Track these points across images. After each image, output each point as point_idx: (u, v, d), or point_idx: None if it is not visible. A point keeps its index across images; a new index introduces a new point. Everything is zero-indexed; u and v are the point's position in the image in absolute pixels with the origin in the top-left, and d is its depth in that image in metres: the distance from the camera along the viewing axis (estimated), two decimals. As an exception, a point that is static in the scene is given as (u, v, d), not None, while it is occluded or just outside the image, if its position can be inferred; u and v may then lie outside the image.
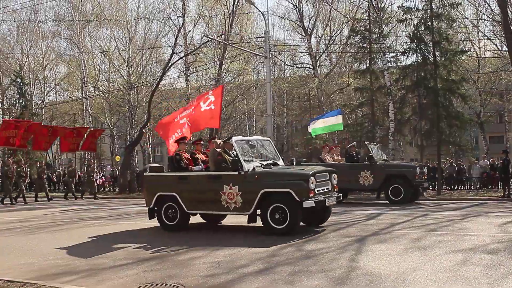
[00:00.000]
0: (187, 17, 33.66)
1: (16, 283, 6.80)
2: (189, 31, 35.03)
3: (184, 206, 11.42)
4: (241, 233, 11.41)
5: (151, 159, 49.70)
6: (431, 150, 26.39)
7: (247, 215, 10.84)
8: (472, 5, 32.51)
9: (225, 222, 13.69)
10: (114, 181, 35.32)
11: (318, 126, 22.86)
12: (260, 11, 29.33)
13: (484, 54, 34.80)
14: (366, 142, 19.55)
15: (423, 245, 8.97)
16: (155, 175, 12.33)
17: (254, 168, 10.75)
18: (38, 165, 28.33)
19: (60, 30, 42.98)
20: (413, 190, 17.74)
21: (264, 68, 32.94)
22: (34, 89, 42.49)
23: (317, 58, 35.52)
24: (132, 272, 7.57)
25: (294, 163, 14.20)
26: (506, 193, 19.66)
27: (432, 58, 24.67)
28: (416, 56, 25.64)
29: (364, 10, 29.63)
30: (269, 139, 12.78)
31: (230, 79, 37.55)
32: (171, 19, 35.38)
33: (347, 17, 33.99)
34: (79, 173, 32.84)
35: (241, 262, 8.03)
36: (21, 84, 39.91)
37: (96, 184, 28.52)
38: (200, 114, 12.98)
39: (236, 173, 10.70)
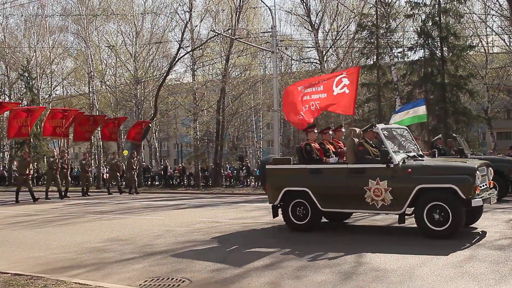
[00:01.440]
0: (194, 11, 33.56)
1: (23, 277, 6.83)
2: (196, 25, 34.88)
3: (317, 203, 10.03)
4: (248, 228, 11.39)
5: (157, 153, 49.75)
6: (438, 146, 26.32)
7: (398, 215, 9.45)
8: (480, 0, 32.39)
9: (229, 217, 13.70)
10: (121, 176, 35.47)
11: (401, 119, 20.83)
12: (267, 5, 29.38)
13: (492, 49, 34.66)
14: (454, 135, 18.71)
15: (430, 241, 8.93)
16: (282, 168, 10.81)
17: (404, 160, 9.45)
18: (83, 158, 26.77)
19: (67, 25, 43.05)
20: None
21: (270, 63, 32.88)
22: (41, 83, 42.61)
23: (324, 53, 35.38)
24: (138, 266, 7.59)
25: (436, 155, 12.64)
26: (513, 189, 19.49)
27: (440, 54, 24.65)
28: (424, 52, 25.63)
29: (371, 5, 29.50)
30: (406, 127, 11.36)
31: (236, 74, 37.50)
32: (178, 14, 35.36)
33: (354, 12, 33.86)
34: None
35: (248, 257, 8.03)
36: (29, 78, 40.11)
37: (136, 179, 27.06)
38: (332, 98, 11.52)
39: (384, 166, 9.35)
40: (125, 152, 30.88)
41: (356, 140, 10.09)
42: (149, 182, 33.74)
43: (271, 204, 10.89)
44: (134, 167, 26.09)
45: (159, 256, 8.28)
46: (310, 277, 6.61)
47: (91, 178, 28.22)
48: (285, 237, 9.93)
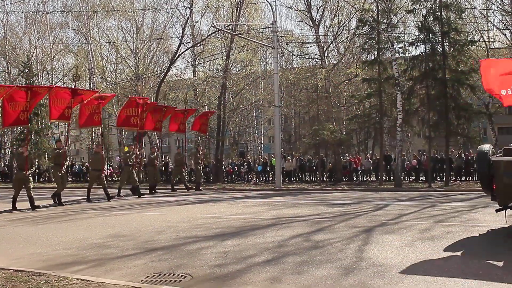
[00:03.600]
0: (195, 7, 33.66)
1: (25, 273, 6.82)
2: (197, 21, 35.04)
3: None
4: (249, 224, 11.40)
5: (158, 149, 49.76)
6: (439, 141, 26.31)
7: None
8: (481, -5, 32.28)
9: (230, 213, 13.70)
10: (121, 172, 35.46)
11: None
12: (267, 1, 29.34)
13: (494, 44, 34.59)
14: None
15: (431, 236, 8.93)
16: None
17: None
18: (151, 151, 25.60)
19: (68, 21, 43.23)
20: None
21: (271, 59, 32.88)
22: (42, 79, 42.65)
23: (325, 49, 35.37)
24: (140, 262, 7.59)
25: None
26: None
27: (441, 49, 24.57)
28: (425, 47, 25.55)
29: (372, 0, 29.45)
30: None
31: (237, 69, 37.54)
32: (179, 10, 35.63)
33: (355, 8, 33.78)
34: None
35: (249, 252, 8.03)
36: (29, 75, 40.10)
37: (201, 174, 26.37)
38: None
39: None
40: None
41: None
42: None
43: (500, 206, 8.94)
44: (200, 162, 25.42)
45: (161, 252, 8.28)
46: (311, 272, 6.60)
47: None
48: (284, 233, 9.92)
